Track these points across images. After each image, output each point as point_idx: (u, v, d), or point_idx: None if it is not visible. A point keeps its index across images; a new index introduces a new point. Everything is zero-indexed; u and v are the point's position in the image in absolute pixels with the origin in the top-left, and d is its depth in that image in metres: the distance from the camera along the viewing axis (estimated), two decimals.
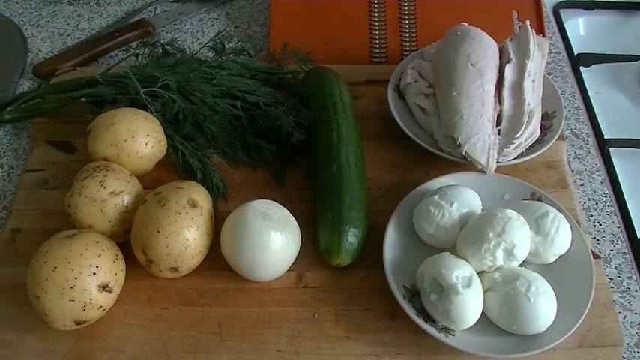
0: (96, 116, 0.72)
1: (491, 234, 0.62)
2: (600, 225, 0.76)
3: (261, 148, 0.77)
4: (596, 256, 0.69)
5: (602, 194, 0.79)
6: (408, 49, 0.93)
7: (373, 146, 0.79)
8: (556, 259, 0.66)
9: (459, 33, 0.78)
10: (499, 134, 0.74)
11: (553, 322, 0.61)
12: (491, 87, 0.75)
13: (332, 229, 0.67)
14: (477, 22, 0.80)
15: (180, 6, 1.02)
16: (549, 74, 0.89)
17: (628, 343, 0.66)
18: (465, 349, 0.60)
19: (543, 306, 0.60)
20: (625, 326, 0.67)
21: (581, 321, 0.61)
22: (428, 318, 0.62)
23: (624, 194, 0.78)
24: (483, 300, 0.61)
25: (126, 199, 0.66)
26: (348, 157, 0.72)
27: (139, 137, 0.70)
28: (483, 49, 0.77)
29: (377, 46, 0.93)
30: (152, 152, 0.71)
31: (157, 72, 0.77)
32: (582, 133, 0.85)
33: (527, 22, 0.79)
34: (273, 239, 0.63)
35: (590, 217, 0.76)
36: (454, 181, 0.71)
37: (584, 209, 0.77)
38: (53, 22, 1.00)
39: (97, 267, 0.59)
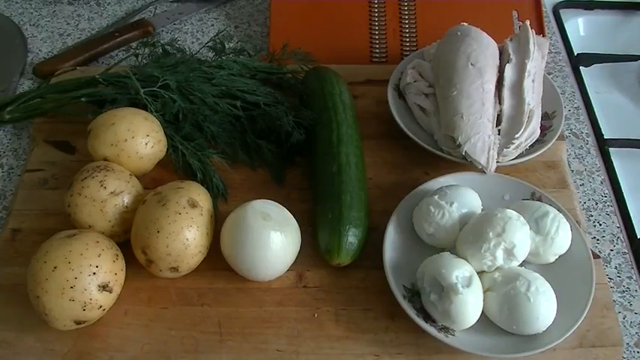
0: (96, 116, 0.72)
1: (491, 234, 0.62)
2: (600, 225, 0.76)
3: (261, 148, 0.77)
4: (596, 256, 0.69)
5: (602, 194, 0.79)
6: (408, 49, 0.93)
7: (373, 146, 0.79)
8: (556, 259, 0.66)
9: (459, 33, 0.78)
10: (499, 134, 0.74)
11: (553, 322, 0.61)
12: (491, 87, 0.75)
13: (332, 229, 0.67)
14: (477, 22, 0.80)
15: (180, 6, 1.02)
16: (549, 74, 0.89)
17: (628, 343, 0.65)
18: (465, 349, 0.60)
19: (543, 306, 0.60)
20: (625, 326, 0.67)
21: (581, 321, 0.61)
22: (428, 318, 0.62)
23: (624, 194, 0.78)
24: (483, 300, 0.61)
25: (126, 199, 0.66)
26: (348, 157, 0.72)
27: (138, 137, 0.70)
28: (483, 49, 0.77)
29: (377, 46, 0.93)
30: (152, 152, 0.71)
31: (157, 72, 0.77)
32: (582, 133, 0.85)
33: (527, 22, 0.79)
34: (273, 239, 0.63)
35: (590, 217, 0.76)
36: (454, 181, 0.71)
37: (584, 209, 0.77)
38: (53, 22, 1.00)
39: (97, 267, 0.59)
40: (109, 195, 0.65)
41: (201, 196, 0.66)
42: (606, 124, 0.87)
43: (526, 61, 0.76)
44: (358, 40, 0.93)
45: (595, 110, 0.88)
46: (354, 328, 0.64)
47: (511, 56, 0.77)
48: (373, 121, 0.82)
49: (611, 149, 0.83)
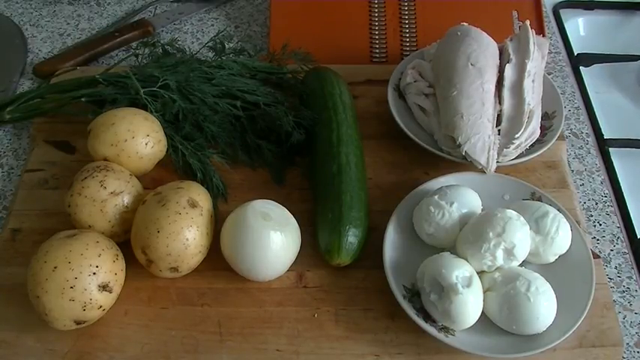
0: (96, 116, 0.72)
1: (491, 234, 0.62)
2: (600, 225, 0.76)
3: (261, 148, 0.77)
4: (596, 256, 0.69)
5: (602, 194, 0.79)
6: (408, 49, 0.93)
7: (373, 146, 0.79)
8: (556, 259, 0.66)
9: (459, 33, 0.78)
10: (499, 134, 0.74)
11: (553, 322, 0.61)
12: (491, 87, 0.75)
13: (332, 229, 0.67)
14: (477, 22, 0.80)
15: (180, 6, 1.02)
16: (549, 74, 0.89)
17: (628, 343, 0.65)
18: (465, 349, 0.60)
19: (543, 306, 0.60)
20: (625, 326, 0.67)
21: (581, 321, 0.61)
22: (428, 318, 0.62)
23: (624, 194, 0.78)
24: (483, 300, 0.61)
25: (126, 199, 0.66)
26: (348, 157, 0.72)
27: (139, 137, 0.70)
28: (483, 49, 0.77)
29: (377, 46, 0.93)
30: (152, 152, 0.71)
31: (157, 72, 0.77)
32: (582, 133, 0.85)
33: (527, 22, 0.79)
34: (273, 239, 0.63)
35: (590, 217, 0.76)
36: (454, 181, 0.71)
37: (584, 209, 0.77)
38: (53, 22, 1.00)
39: (97, 267, 0.59)
40: (109, 195, 0.65)
41: (201, 196, 0.66)
42: (606, 124, 0.87)
43: (526, 61, 0.76)
44: (358, 40, 0.93)
45: (595, 110, 0.88)
46: (354, 328, 0.64)
47: (511, 56, 0.77)
48: (373, 121, 0.82)
49: (611, 149, 0.83)
